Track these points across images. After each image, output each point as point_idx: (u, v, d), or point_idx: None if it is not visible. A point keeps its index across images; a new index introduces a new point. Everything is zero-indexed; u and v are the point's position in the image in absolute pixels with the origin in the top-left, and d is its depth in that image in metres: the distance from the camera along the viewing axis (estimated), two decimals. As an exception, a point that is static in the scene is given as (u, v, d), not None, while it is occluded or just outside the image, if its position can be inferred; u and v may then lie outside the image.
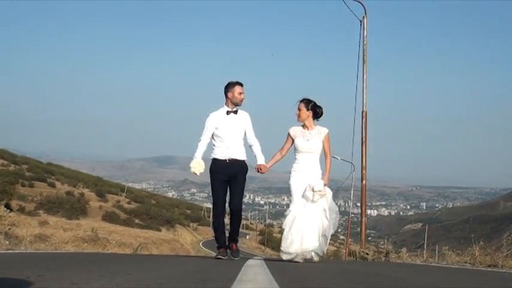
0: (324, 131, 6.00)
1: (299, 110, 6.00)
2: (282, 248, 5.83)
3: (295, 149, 6.00)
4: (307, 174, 5.88)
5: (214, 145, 6.08)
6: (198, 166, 5.97)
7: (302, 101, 6.03)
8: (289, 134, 6.06)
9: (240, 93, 6.05)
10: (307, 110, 5.98)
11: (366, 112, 13.45)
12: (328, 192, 5.89)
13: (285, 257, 5.77)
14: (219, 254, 6.08)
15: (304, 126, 6.02)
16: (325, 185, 5.84)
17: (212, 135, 6.07)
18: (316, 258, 5.78)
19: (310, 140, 5.94)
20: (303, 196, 5.82)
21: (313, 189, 5.74)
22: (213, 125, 6.03)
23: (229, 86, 6.07)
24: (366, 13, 13.81)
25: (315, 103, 6.02)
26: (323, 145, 5.96)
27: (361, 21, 13.83)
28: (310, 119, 6.00)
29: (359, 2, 13.83)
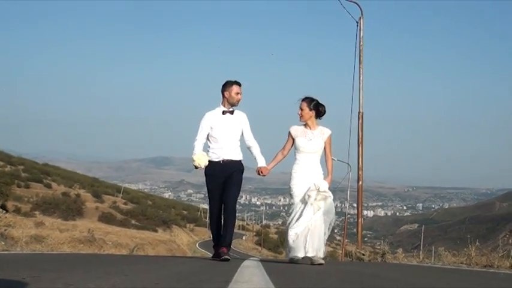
0: (327, 131, 5.82)
1: (301, 109, 5.79)
2: (289, 254, 5.71)
3: (296, 149, 5.81)
4: (308, 175, 5.70)
5: (209, 146, 5.91)
6: (203, 157, 5.70)
7: (304, 99, 5.81)
8: (289, 133, 5.86)
9: (237, 93, 5.86)
10: (310, 109, 5.77)
11: (363, 113, 13.49)
12: (329, 196, 5.69)
13: (291, 257, 5.66)
14: (215, 255, 6.04)
15: (306, 125, 5.83)
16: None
17: (207, 136, 5.92)
18: (321, 261, 5.56)
19: (313, 140, 5.76)
20: (305, 195, 5.62)
21: (318, 189, 5.56)
22: (208, 125, 5.87)
23: (226, 85, 5.89)
24: (362, 14, 13.88)
25: (317, 101, 5.81)
26: (324, 146, 5.80)
27: (357, 22, 13.88)
28: (313, 118, 5.81)
29: (355, 2, 13.88)
